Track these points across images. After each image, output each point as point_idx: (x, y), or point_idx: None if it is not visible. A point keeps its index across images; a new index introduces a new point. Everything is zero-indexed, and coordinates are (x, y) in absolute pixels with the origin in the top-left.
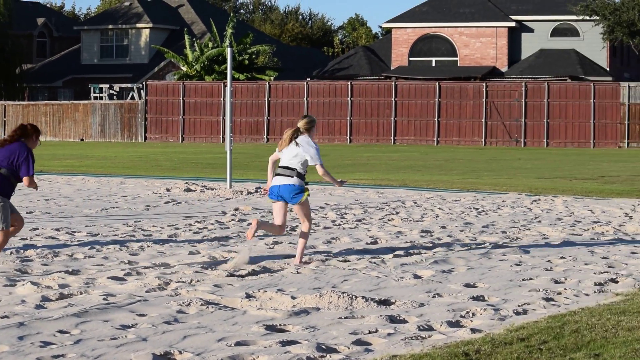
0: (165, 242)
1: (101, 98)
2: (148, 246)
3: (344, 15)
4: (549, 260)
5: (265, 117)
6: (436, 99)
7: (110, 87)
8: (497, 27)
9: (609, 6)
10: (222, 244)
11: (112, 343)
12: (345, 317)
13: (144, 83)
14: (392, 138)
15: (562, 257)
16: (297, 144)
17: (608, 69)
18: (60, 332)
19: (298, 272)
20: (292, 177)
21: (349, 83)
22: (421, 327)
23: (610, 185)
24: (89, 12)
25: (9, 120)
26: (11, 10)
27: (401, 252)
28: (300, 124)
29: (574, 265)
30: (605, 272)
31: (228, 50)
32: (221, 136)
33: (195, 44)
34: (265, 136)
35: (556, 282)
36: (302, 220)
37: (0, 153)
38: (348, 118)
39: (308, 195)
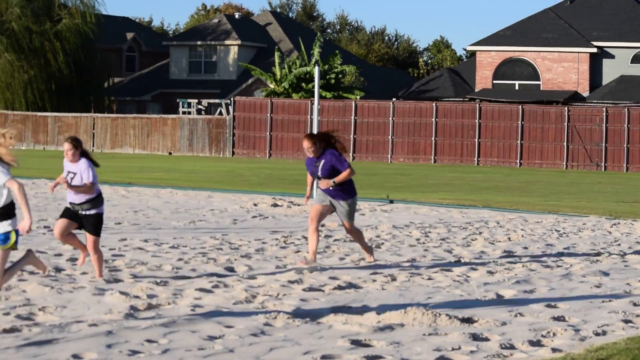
0: (252, 256)
1: (189, 113)
2: (235, 259)
3: (429, 37)
4: (628, 283)
5: (352, 135)
6: (519, 122)
7: (199, 102)
8: (578, 52)
9: None
10: None
11: (199, 353)
12: (429, 334)
13: (231, 99)
14: (475, 159)
15: None
16: None
17: None
18: (148, 341)
19: (383, 289)
20: None
21: (434, 104)
22: (503, 346)
23: None
24: (178, 28)
25: (97, 132)
26: (101, 25)
27: (484, 272)
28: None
29: None
30: None
31: (316, 69)
32: None
33: (285, 62)
34: (351, 154)
35: (635, 304)
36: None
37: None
38: (433, 138)
39: None
